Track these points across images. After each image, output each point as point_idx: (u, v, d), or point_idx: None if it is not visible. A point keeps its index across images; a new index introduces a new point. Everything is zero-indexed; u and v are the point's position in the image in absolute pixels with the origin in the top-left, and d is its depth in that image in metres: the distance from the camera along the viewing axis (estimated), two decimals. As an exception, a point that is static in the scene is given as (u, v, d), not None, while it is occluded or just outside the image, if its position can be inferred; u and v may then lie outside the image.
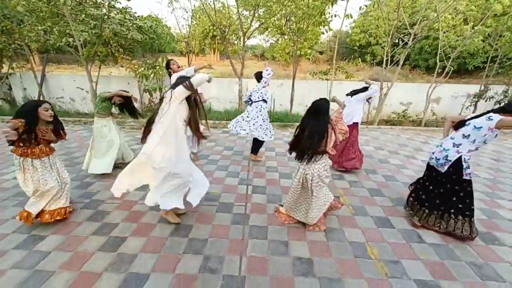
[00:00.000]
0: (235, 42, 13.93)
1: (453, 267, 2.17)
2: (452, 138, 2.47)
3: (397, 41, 8.06)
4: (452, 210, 2.47)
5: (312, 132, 2.34)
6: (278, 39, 15.05)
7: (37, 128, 2.33)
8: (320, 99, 2.45)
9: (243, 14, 8.62)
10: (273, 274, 2.06)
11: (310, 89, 7.86)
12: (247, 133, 4.03)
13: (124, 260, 2.16)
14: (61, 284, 1.92)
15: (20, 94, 7.89)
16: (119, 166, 3.76)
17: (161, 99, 2.30)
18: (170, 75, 3.77)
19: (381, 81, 7.09)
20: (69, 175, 2.71)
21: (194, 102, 2.35)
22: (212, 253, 2.25)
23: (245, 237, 2.47)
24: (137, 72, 6.88)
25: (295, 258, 2.22)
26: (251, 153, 4.41)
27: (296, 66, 7.59)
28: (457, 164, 2.38)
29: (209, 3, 8.24)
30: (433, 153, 2.60)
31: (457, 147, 2.40)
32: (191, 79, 2.24)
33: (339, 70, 7.63)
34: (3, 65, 7.58)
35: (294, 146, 2.53)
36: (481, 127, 2.26)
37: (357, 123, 3.87)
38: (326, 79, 7.50)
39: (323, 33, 8.23)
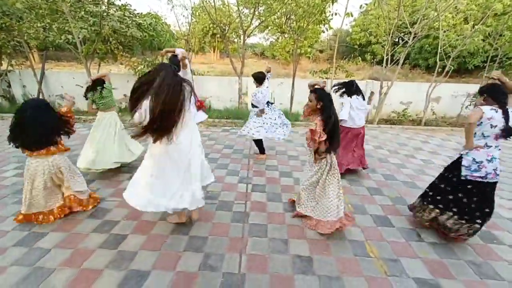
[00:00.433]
0: (235, 40, 13.89)
1: (452, 266, 2.19)
2: (496, 147, 2.25)
3: (397, 40, 8.05)
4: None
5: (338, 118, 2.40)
6: (278, 38, 15.03)
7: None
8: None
9: (243, 12, 8.59)
10: (273, 272, 2.07)
11: (310, 88, 7.83)
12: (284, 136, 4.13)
13: (125, 258, 2.16)
14: (62, 281, 1.92)
15: (19, 92, 7.85)
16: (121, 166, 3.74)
17: None
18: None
19: (381, 80, 7.08)
20: None
21: None
22: (212, 251, 2.26)
23: (245, 235, 2.48)
24: (136, 70, 6.86)
25: (295, 256, 2.23)
26: (261, 153, 4.41)
27: (296, 65, 7.57)
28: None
29: (209, 1, 8.21)
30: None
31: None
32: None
33: (339, 69, 7.61)
34: (2, 62, 7.52)
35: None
36: None
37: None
38: (327, 78, 7.48)
39: (323, 31, 8.19)
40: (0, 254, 2.17)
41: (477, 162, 2.23)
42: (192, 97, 2.11)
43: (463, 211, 2.34)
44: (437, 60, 6.98)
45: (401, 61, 6.76)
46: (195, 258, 2.18)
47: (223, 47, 17.84)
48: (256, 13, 7.33)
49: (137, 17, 7.14)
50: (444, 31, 6.89)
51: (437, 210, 2.48)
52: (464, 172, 2.29)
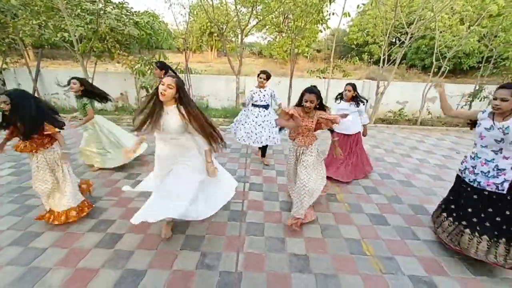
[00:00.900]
0: (233, 39, 13.86)
1: (446, 263, 2.22)
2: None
3: (394, 40, 8.09)
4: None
5: None
6: (276, 37, 15.03)
7: None
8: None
9: (241, 10, 8.57)
10: (269, 270, 2.08)
11: (308, 87, 7.85)
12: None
13: (121, 257, 2.16)
14: (58, 281, 1.92)
15: (14, 90, 7.77)
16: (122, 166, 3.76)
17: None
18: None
19: (378, 80, 7.13)
20: None
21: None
22: (209, 250, 2.27)
23: (242, 234, 2.49)
24: (133, 69, 6.81)
25: (292, 255, 2.25)
26: (262, 156, 4.28)
27: (293, 64, 7.58)
28: None
29: None
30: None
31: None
32: None
33: (337, 69, 7.65)
34: (-3, 60, 7.45)
35: None
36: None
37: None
38: (324, 77, 7.50)
39: (321, 31, 8.21)
40: (-5, 254, 2.15)
41: None
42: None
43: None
44: (433, 60, 7.03)
45: (397, 61, 6.81)
46: (192, 257, 2.18)
47: (220, 46, 17.78)
48: (254, 12, 7.32)
49: (134, 15, 7.08)
50: (440, 32, 6.93)
51: None
52: None
